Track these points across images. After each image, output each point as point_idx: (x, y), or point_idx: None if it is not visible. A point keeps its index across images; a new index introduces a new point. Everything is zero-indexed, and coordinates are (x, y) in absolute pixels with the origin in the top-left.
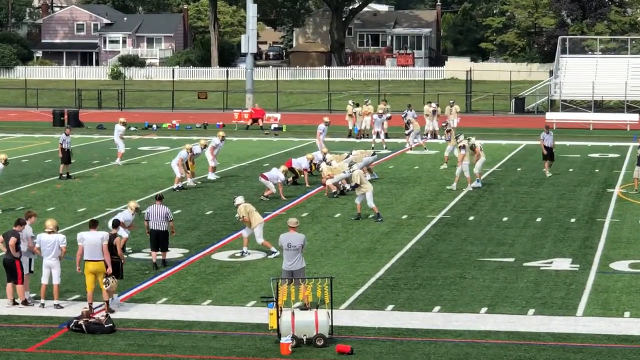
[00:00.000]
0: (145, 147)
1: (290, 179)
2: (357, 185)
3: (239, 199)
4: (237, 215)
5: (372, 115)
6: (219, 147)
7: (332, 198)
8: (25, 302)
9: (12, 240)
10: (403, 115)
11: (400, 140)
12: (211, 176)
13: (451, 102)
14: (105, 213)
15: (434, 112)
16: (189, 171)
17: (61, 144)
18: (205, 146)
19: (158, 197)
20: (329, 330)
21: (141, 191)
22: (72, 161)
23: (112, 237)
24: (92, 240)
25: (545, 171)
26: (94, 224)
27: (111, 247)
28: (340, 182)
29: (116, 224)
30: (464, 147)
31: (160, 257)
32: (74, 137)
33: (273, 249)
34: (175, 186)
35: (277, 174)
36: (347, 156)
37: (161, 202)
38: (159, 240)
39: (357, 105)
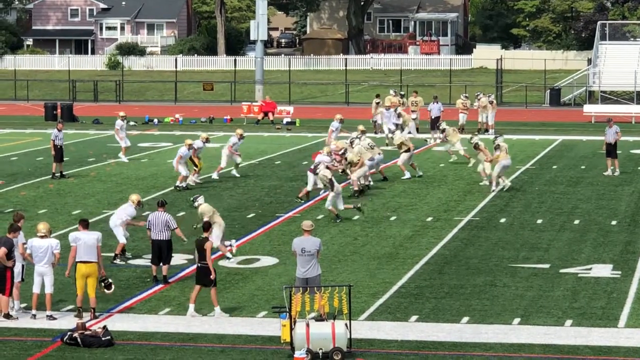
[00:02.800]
0: (146, 144)
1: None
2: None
3: (201, 199)
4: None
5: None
6: (236, 146)
7: (354, 198)
8: (7, 316)
9: (2, 250)
10: (429, 109)
11: (425, 136)
12: (215, 175)
13: (477, 94)
14: (101, 215)
15: (491, 103)
16: (195, 168)
17: (53, 141)
18: (208, 140)
19: (160, 203)
20: (347, 344)
21: (142, 191)
22: (66, 159)
23: (204, 240)
24: (88, 241)
25: (608, 171)
26: (86, 224)
27: (199, 252)
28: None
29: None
30: (498, 147)
31: (163, 271)
32: (68, 133)
33: (229, 254)
34: (178, 183)
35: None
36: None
37: (164, 209)
38: (161, 252)
39: (403, 95)
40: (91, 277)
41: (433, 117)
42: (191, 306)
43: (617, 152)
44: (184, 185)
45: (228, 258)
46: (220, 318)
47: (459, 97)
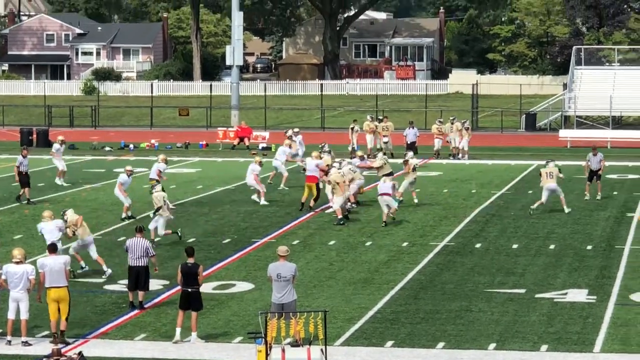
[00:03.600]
0: (121, 169)
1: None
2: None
3: (158, 187)
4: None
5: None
6: (164, 171)
7: (339, 225)
8: None
9: None
10: (405, 134)
11: (400, 161)
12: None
13: (452, 118)
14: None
15: (467, 129)
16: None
17: (18, 167)
18: (166, 161)
19: (138, 228)
20: None
21: (117, 217)
22: (41, 184)
23: (194, 266)
24: (54, 266)
25: (587, 195)
26: (53, 249)
27: (191, 276)
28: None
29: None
30: (550, 174)
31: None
32: (43, 159)
33: (105, 267)
34: (123, 215)
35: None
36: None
37: (142, 235)
38: (139, 278)
39: (381, 120)
40: (62, 301)
41: (409, 142)
42: (178, 330)
43: (599, 176)
44: (129, 215)
45: (105, 271)
46: (196, 344)
47: (434, 122)
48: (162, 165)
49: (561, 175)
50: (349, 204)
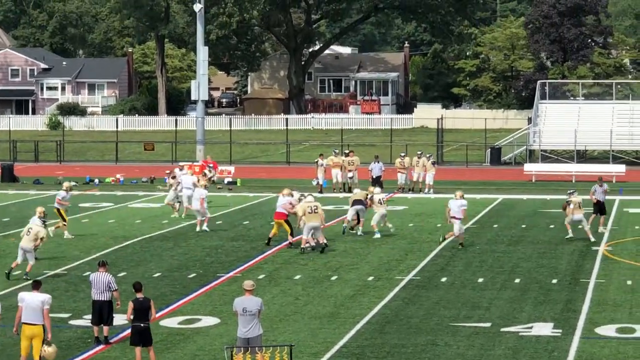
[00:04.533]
0: (87, 204)
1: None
2: None
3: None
4: None
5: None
6: (65, 198)
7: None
8: None
9: None
10: (370, 168)
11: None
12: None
13: (419, 153)
14: (43, 276)
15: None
16: (64, 223)
17: None
18: (71, 189)
19: (100, 263)
20: None
21: (82, 252)
22: (6, 219)
23: (145, 301)
24: (32, 303)
25: (601, 227)
26: (36, 285)
27: (143, 311)
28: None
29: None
30: (570, 202)
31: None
32: (8, 194)
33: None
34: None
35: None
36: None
37: (105, 269)
38: (102, 313)
39: (347, 154)
40: (36, 338)
41: (374, 177)
42: None
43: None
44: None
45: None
46: None
47: (398, 156)
48: (62, 193)
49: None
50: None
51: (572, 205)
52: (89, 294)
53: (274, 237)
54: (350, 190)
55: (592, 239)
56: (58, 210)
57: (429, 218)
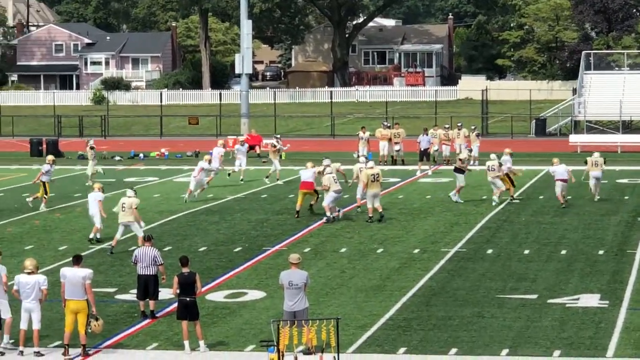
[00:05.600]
0: (132, 179)
1: (313, 201)
2: None
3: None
4: None
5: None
6: (49, 173)
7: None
8: None
9: None
10: (418, 140)
11: (411, 167)
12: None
13: (459, 124)
14: (89, 251)
15: (478, 135)
16: (45, 196)
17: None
18: (54, 162)
19: (147, 237)
20: None
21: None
22: (52, 194)
23: (191, 275)
24: (72, 279)
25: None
26: (77, 260)
27: (189, 286)
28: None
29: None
30: (596, 162)
31: (150, 306)
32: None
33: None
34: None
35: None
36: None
37: (150, 244)
38: (148, 287)
39: (389, 127)
40: (80, 313)
41: (422, 149)
42: (186, 343)
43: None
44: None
45: None
46: (206, 352)
47: (441, 128)
48: (45, 166)
49: (605, 166)
50: (333, 214)
51: (591, 164)
52: (134, 268)
53: (301, 208)
54: (395, 163)
55: (597, 198)
56: (43, 183)
57: (474, 190)
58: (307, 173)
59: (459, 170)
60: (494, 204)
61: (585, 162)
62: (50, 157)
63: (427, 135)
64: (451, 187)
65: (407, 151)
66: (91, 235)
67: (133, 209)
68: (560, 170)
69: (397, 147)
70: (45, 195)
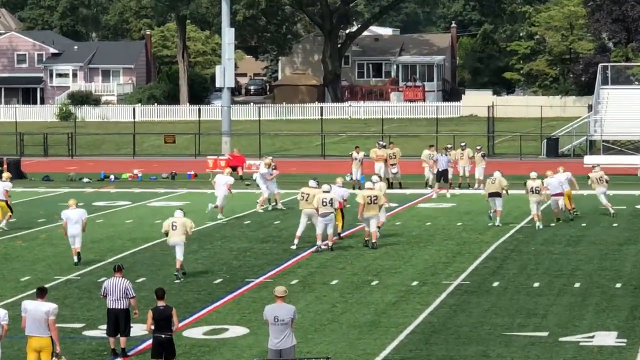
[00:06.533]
0: (101, 202)
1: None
2: None
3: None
4: None
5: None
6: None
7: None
8: None
9: None
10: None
11: (410, 191)
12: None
13: (462, 144)
14: (54, 282)
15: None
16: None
17: None
18: (11, 179)
19: (117, 267)
20: None
21: (97, 255)
22: (12, 220)
23: (166, 309)
24: (35, 313)
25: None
26: (41, 293)
27: (164, 321)
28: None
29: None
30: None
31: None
32: (15, 191)
33: None
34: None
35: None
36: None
37: (121, 274)
38: (118, 323)
39: (385, 146)
40: (44, 351)
41: (440, 170)
42: None
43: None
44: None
45: None
46: None
47: (442, 148)
48: (8, 184)
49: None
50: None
51: (597, 181)
52: (104, 302)
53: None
54: (392, 186)
55: (612, 212)
56: (6, 202)
57: (478, 216)
58: (339, 191)
59: (495, 194)
60: (538, 228)
61: (588, 178)
62: (6, 175)
63: (446, 155)
64: (454, 213)
65: (405, 173)
66: (75, 260)
67: (189, 231)
68: (553, 183)
69: (394, 170)
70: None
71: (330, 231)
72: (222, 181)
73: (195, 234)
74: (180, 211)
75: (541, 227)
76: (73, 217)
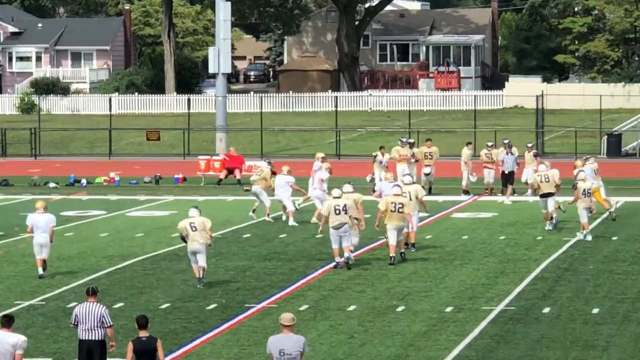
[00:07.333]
0: (71, 212)
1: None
2: None
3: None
4: None
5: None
6: None
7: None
8: None
9: None
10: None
11: (442, 199)
12: None
13: (505, 141)
14: (14, 307)
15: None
16: None
17: None
18: None
19: (90, 290)
20: None
21: (66, 275)
22: None
23: (150, 340)
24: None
25: None
26: (7, 322)
27: (147, 354)
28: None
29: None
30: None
31: None
32: None
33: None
34: None
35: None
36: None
37: (95, 299)
38: (92, 356)
39: (412, 144)
40: None
41: (507, 172)
42: None
43: None
44: None
45: None
46: None
47: (484, 146)
48: None
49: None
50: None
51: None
52: (75, 332)
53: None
54: (430, 192)
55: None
56: None
57: (525, 228)
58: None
59: (549, 194)
60: (584, 238)
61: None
62: None
63: (512, 153)
64: (495, 225)
65: (437, 176)
66: (41, 272)
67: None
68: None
69: (427, 170)
70: None
71: (345, 244)
72: (283, 181)
73: (183, 250)
74: (196, 209)
75: (589, 238)
76: (40, 223)
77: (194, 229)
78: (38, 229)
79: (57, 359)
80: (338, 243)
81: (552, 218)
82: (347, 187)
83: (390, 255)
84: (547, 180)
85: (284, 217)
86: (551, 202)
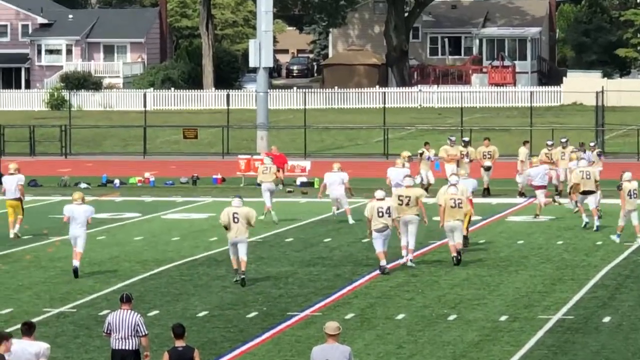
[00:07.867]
0: (103, 215)
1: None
2: None
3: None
4: None
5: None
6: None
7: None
8: None
9: None
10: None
11: (496, 200)
12: None
13: (563, 140)
14: (43, 315)
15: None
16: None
17: None
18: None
19: (124, 298)
20: None
21: (97, 282)
22: None
23: (187, 351)
24: (21, 356)
25: None
26: (28, 330)
27: None
28: None
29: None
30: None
31: None
32: None
33: None
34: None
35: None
36: None
37: (129, 306)
38: None
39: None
40: None
41: None
42: None
43: None
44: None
45: None
46: None
47: (544, 146)
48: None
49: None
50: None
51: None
52: (107, 341)
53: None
54: (490, 193)
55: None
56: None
57: (584, 233)
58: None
59: (590, 192)
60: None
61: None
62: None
63: (587, 152)
64: (553, 229)
65: (491, 177)
66: (76, 263)
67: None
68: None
69: (488, 163)
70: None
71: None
72: (337, 179)
73: (222, 255)
74: (239, 199)
75: None
76: (77, 214)
77: (236, 220)
78: (74, 220)
79: None
80: (382, 247)
81: (600, 217)
82: (408, 181)
83: (452, 254)
84: (588, 177)
85: (335, 215)
86: (592, 200)
